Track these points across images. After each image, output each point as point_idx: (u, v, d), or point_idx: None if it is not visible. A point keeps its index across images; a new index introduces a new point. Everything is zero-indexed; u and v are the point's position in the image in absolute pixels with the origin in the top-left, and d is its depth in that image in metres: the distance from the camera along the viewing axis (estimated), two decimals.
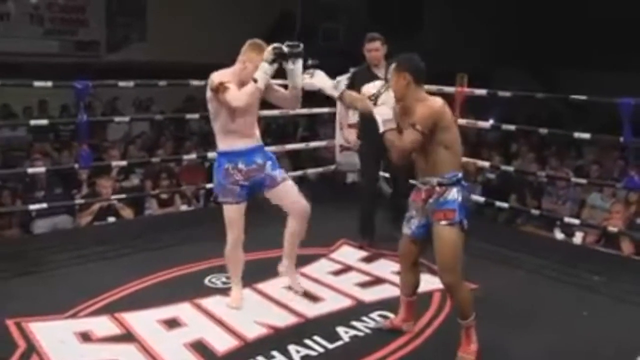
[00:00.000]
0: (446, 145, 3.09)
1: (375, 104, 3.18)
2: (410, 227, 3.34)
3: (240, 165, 3.68)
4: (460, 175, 3.16)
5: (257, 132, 3.79)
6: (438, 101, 3.10)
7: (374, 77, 4.74)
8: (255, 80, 3.50)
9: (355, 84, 4.04)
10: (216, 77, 3.59)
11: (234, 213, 3.76)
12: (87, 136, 5.25)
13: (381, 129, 3.14)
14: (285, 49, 3.50)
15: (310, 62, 3.59)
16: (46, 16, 11.30)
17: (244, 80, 3.57)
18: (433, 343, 3.47)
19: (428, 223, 3.23)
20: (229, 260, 3.90)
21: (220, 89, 3.52)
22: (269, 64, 3.48)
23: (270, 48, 3.50)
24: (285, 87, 3.78)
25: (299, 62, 3.57)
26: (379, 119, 3.16)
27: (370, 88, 3.24)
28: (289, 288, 4.10)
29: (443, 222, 3.12)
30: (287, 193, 3.82)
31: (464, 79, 5.67)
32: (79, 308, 3.74)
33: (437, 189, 3.14)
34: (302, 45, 3.52)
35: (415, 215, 3.30)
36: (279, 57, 3.49)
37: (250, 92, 3.51)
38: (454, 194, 3.12)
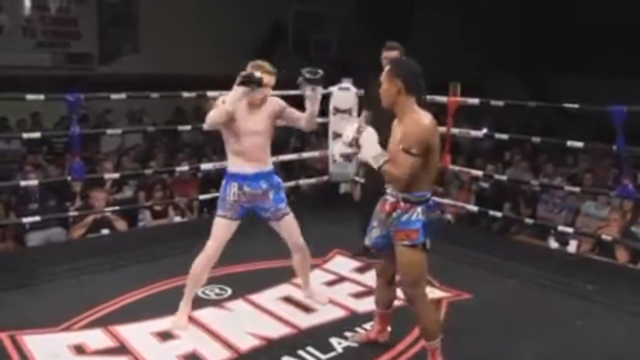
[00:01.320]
0: (425, 168, 2.98)
1: (359, 148, 3.09)
2: (370, 237, 3.28)
3: (246, 189, 3.67)
4: (428, 195, 3.06)
5: (267, 157, 3.73)
6: (428, 118, 2.98)
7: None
8: (223, 102, 3.48)
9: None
10: (221, 97, 3.59)
11: (223, 227, 3.73)
12: (80, 148, 5.23)
13: (375, 166, 3.02)
14: (306, 74, 3.48)
15: (308, 75, 3.48)
16: (39, 29, 11.27)
17: (250, 101, 3.58)
18: (427, 354, 3.45)
19: (389, 235, 3.14)
20: (192, 276, 3.77)
21: (207, 106, 3.54)
22: (237, 86, 3.43)
23: (240, 74, 3.46)
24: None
25: (318, 89, 3.54)
26: (369, 160, 3.06)
27: (348, 133, 3.11)
28: (285, 299, 4.12)
29: (405, 242, 3.04)
30: (287, 229, 3.84)
31: (456, 88, 5.68)
32: (73, 321, 3.72)
33: (402, 204, 3.05)
34: (321, 72, 3.48)
35: (376, 225, 3.22)
36: (246, 82, 3.41)
37: (214, 113, 3.48)
38: (418, 213, 3.02)
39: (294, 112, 3.73)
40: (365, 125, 3.16)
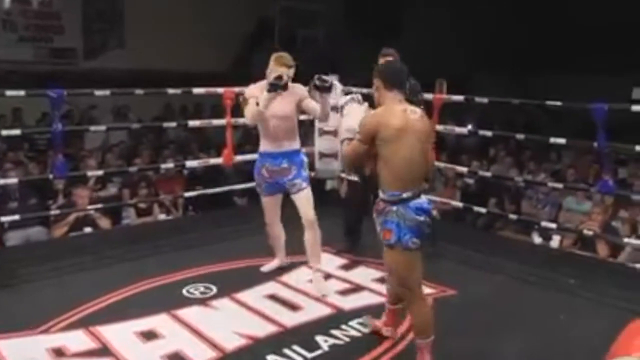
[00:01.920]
0: (385, 161, 3.02)
1: (341, 115, 3.26)
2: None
3: (268, 165, 4.16)
4: (404, 195, 3.01)
5: (292, 138, 4.17)
6: (388, 111, 3.03)
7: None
8: (257, 104, 3.90)
9: None
10: (247, 90, 4.11)
11: (264, 202, 4.36)
12: (62, 145, 5.17)
13: (340, 138, 3.21)
14: (316, 82, 3.84)
15: (318, 82, 3.83)
16: (20, 23, 11.13)
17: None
18: (413, 351, 3.46)
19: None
20: (268, 235, 4.52)
21: (242, 104, 4.08)
22: (267, 92, 3.87)
23: (270, 78, 3.88)
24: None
25: (327, 96, 3.88)
26: (341, 129, 3.24)
27: (343, 99, 3.34)
28: (271, 297, 4.12)
29: (385, 242, 3.10)
30: (300, 204, 4.19)
31: (442, 85, 5.68)
32: (52, 322, 3.66)
33: (381, 203, 3.09)
34: (330, 81, 3.84)
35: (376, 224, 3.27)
36: (273, 88, 3.85)
37: (253, 114, 3.97)
38: (394, 213, 3.03)
39: (310, 102, 4.11)
40: (362, 101, 3.30)
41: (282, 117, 4.06)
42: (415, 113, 3.07)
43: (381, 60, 4.79)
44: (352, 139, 3.14)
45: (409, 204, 3.02)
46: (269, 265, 4.59)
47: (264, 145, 4.18)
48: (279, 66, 3.95)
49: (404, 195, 3.01)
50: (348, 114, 3.27)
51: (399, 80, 3.12)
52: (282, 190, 4.27)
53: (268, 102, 3.90)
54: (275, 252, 4.58)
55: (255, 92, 4.00)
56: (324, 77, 3.84)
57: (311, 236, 4.20)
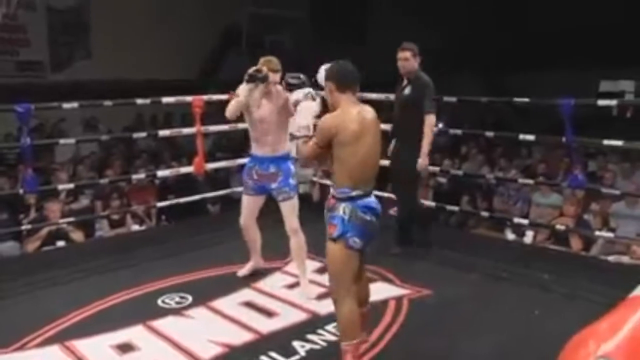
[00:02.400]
0: (339, 162, 3.05)
1: (295, 110, 3.35)
2: None
3: (257, 168, 4.24)
4: (353, 193, 3.05)
5: (279, 143, 4.20)
6: (344, 114, 3.05)
7: (401, 88, 4.97)
8: (237, 95, 4.07)
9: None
10: (239, 89, 4.17)
11: (244, 201, 4.39)
12: (32, 160, 5.12)
13: (296, 133, 3.28)
14: (289, 80, 3.83)
15: (291, 80, 3.81)
16: None
17: (264, 91, 4.08)
18: (390, 352, 3.48)
19: None
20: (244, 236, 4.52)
21: (229, 99, 4.18)
22: (246, 83, 4.00)
23: (247, 71, 3.99)
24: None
25: (297, 93, 3.73)
26: (295, 125, 3.30)
27: (296, 94, 3.41)
28: (246, 304, 4.11)
29: (328, 236, 3.12)
30: (285, 212, 4.24)
31: None
32: (26, 339, 3.61)
33: (332, 200, 3.14)
34: (302, 77, 3.77)
35: None
36: (250, 80, 3.97)
37: (231, 105, 4.08)
38: (341, 209, 3.06)
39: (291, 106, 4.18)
40: (316, 97, 3.36)
41: (269, 122, 4.12)
42: (369, 113, 3.13)
43: (399, 55, 4.92)
44: (306, 136, 3.19)
45: (358, 201, 3.06)
46: (244, 269, 4.59)
47: (254, 149, 4.27)
48: (267, 70, 4.03)
49: (353, 193, 3.06)
50: (301, 110, 3.32)
51: (351, 81, 3.14)
52: (267, 192, 4.32)
53: (247, 92, 4.00)
54: (251, 254, 4.58)
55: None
56: (295, 74, 3.84)
57: (296, 243, 4.23)
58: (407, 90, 4.94)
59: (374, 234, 3.15)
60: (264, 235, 4.53)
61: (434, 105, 4.82)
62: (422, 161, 4.88)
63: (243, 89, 4.03)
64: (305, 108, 3.34)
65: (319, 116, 3.26)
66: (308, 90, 3.41)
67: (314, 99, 3.37)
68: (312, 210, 5.49)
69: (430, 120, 4.79)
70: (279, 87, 4.08)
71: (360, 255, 3.17)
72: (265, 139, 4.17)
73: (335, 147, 3.03)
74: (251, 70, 3.99)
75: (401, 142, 5.09)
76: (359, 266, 3.21)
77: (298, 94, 3.43)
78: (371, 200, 3.12)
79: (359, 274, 3.25)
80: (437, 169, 6.60)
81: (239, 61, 12.58)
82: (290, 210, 4.21)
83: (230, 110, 4.11)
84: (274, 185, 4.20)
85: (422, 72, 4.93)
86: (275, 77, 4.06)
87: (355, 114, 3.05)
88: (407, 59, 4.89)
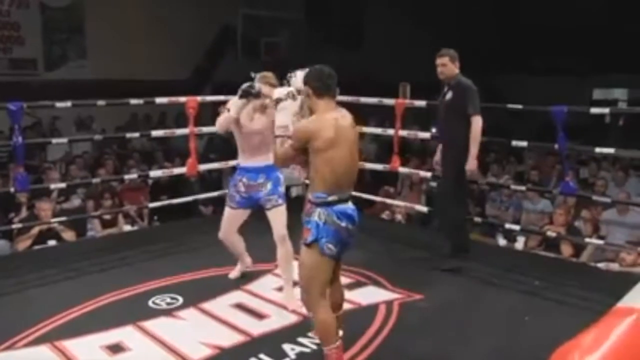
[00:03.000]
0: (315, 167, 3.05)
1: (276, 109, 3.33)
2: None
3: (245, 180, 4.19)
4: (330, 198, 3.04)
5: (267, 153, 4.04)
6: (320, 121, 3.05)
7: (443, 94, 4.89)
8: (228, 110, 4.03)
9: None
10: (229, 102, 4.12)
11: (227, 214, 4.33)
12: (24, 159, 5.10)
13: (275, 132, 3.28)
14: (244, 88, 3.95)
15: (246, 88, 3.94)
16: None
17: (254, 106, 4.06)
18: (379, 356, 3.48)
19: None
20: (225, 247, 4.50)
21: (220, 113, 4.12)
22: (239, 98, 3.98)
23: (241, 87, 3.97)
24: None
25: (278, 92, 3.68)
26: (275, 124, 3.31)
27: (278, 92, 3.38)
28: (237, 306, 4.10)
29: (302, 240, 3.11)
30: (273, 220, 4.18)
31: (406, 88, 5.72)
32: (16, 339, 3.60)
33: (308, 204, 3.13)
34: (258, 87, 3.94)
35: None
36: (244, 96, 3.95)
37: (222, 119, 4.06)
38: (316, 214, 3.05)
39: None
40: (297, 97, 3.32)
41: (260, 134, 4.08)
42: (345, 119, 3.13)
43: (437, 61, 4.84)
44: (284, 136, 3.20)
45: (333, 207, 3.05)
46: (234, 272, 4.60)
47: (243, 160, 4.20)
48: (262, 84, 3.99)
49: (329, 198, 3.05)
50: (281, 109, 3.30)
51: (329, 86, 3.12)
52: (254, 205, 4.25)
53: (239, 109, 3.98)
54: (238, 258, 4.57)
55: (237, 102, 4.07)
56: (250, 83, 3.94)
57: (283, 251, 4.15)
58: (448, 96, 4.83)
59: (350, 241, 3.13)
60: (255, 237, 4.51)
61: (478, 108, 4.69)
62: (471, 164, 4.74)
63: (234, 103, 3.99)
64: (285, 107, 3.30)
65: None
66: (289, 89, 3.35)
67: (294, 98, 3.32)
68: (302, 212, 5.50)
69: (476, 122, 4.66)
70: None
71: (335, 262, 3.16)
72: (258, 151, 4.13)
73: (311, 153, 3.04)
74: (245, 85, 3.96)
75: (447, 148, 4.95)
76: (334, 272, 3.22)
77: (280, 93, 3.38)
78: (348, 207, 3.10)
79: (332, 279, 3.24)
80: (428, 174, 6.62)
81: (234, 63, 12.62)
82: (278, 217, 4.15)
83: (220, 124, 4.08)
84: (261, 194, 4.15)
85: (463, 76, 4.83)
86: (271, 91, 3.96)
87: (331, 120, 3.04)
88: (445, 65, 4.81)
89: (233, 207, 4.27)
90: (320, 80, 3.11)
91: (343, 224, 3.05)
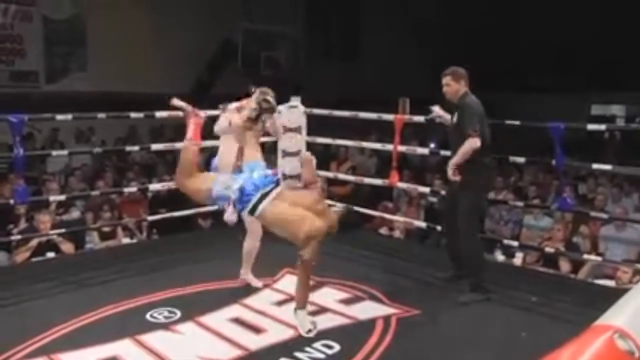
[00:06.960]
0: None
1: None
2: None
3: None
4: None
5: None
6: None
7: (452, 115, 4.72)
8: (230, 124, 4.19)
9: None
10: (230, 110, 4.32)
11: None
12: (23, 170, 5.12)
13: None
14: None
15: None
16: None
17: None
18: None
19: None
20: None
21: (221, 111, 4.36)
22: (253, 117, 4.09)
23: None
24: None
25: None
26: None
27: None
28: (235, 320, 4.12)
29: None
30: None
31: (405, 103, 5.72)
32: (12, 352, 3.59)
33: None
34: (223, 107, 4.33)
35: None
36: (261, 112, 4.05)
37: (221, 128, 4.34)
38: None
39: (275, 123, 4.58)
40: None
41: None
42: None
43: (442, 82, 4.66)
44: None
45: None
46: (254, 280, 4.77)
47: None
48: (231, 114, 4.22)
49: None
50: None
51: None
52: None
53: (230, 131, 4.17)
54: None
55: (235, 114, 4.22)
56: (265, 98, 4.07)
57: (252, 243, 4.58)
58: (455, 117, 4.65)
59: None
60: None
61: (476, 127, 4.39)
62: (449, 172, 4.52)
63: (237, 122, 4.08)
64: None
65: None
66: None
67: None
68: None
69: (469, 143, 4.37)
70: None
71: None
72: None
73: None
74: (263, 103, 4.01)
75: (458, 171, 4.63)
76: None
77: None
78: None
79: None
80: (427, 189, 6.64)
81: (234, 76, 12.67)
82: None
83: (222, 129, 4.31)
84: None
85: (470, 95, 4.62)
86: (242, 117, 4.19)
87: None
88: (448, 84, 4.61)
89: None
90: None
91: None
